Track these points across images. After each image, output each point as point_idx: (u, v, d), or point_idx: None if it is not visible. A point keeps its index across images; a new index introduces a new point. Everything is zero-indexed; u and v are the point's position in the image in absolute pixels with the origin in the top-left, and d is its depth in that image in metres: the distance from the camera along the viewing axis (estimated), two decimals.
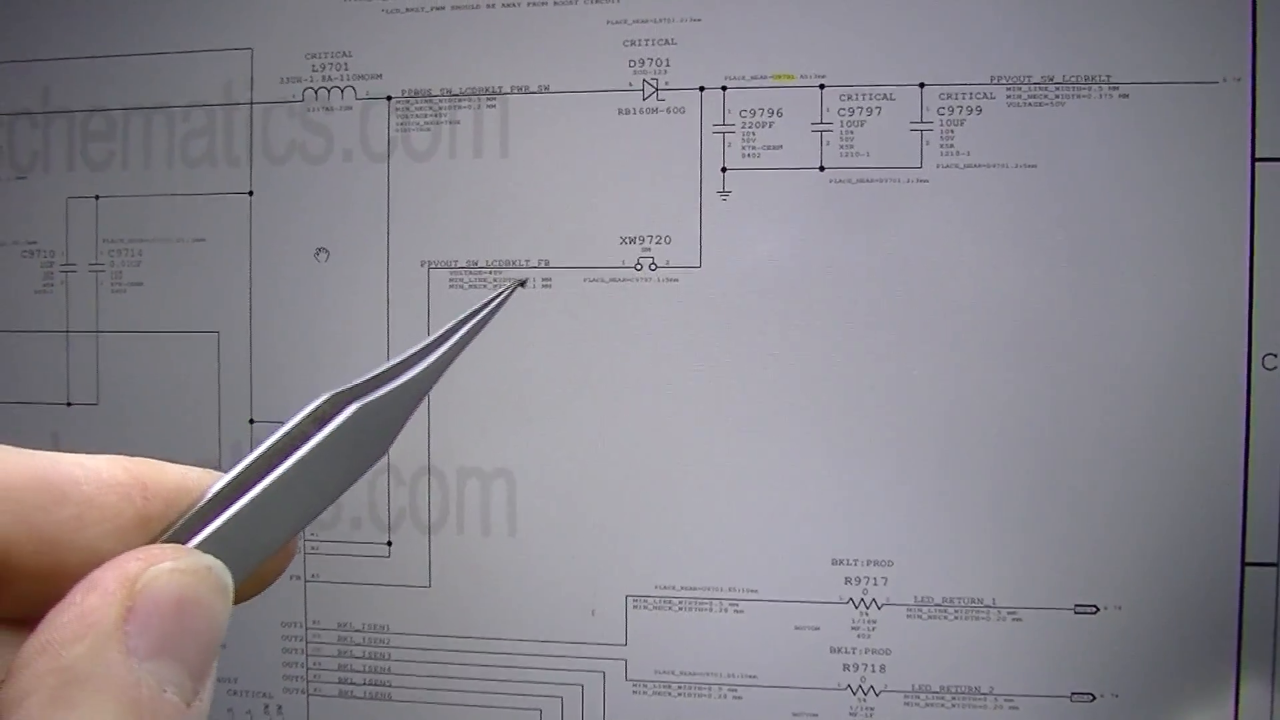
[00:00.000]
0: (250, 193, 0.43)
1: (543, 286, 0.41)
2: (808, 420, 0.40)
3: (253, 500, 0.16)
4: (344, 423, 0.18)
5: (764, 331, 0.40)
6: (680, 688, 0.41)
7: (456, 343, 0.20)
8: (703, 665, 0.41)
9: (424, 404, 0.43)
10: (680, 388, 0.40)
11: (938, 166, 0.39)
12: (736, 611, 0.40)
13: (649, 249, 0.40)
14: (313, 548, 0.43)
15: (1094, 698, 0.39)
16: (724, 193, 0.40)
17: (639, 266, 0.40)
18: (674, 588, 0.41)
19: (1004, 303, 0.39)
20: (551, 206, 0.41)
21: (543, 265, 0.41)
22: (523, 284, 0.29)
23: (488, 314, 0.20)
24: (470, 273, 0.41)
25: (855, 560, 0.40)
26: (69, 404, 0.44)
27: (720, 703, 0.41)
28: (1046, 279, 0.39)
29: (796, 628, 0.40)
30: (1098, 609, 0.39)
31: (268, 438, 0.17)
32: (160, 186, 0.43)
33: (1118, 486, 0.39)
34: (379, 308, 0.42)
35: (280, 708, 0.44)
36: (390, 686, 0.43)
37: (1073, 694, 0.39)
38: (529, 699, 0.42)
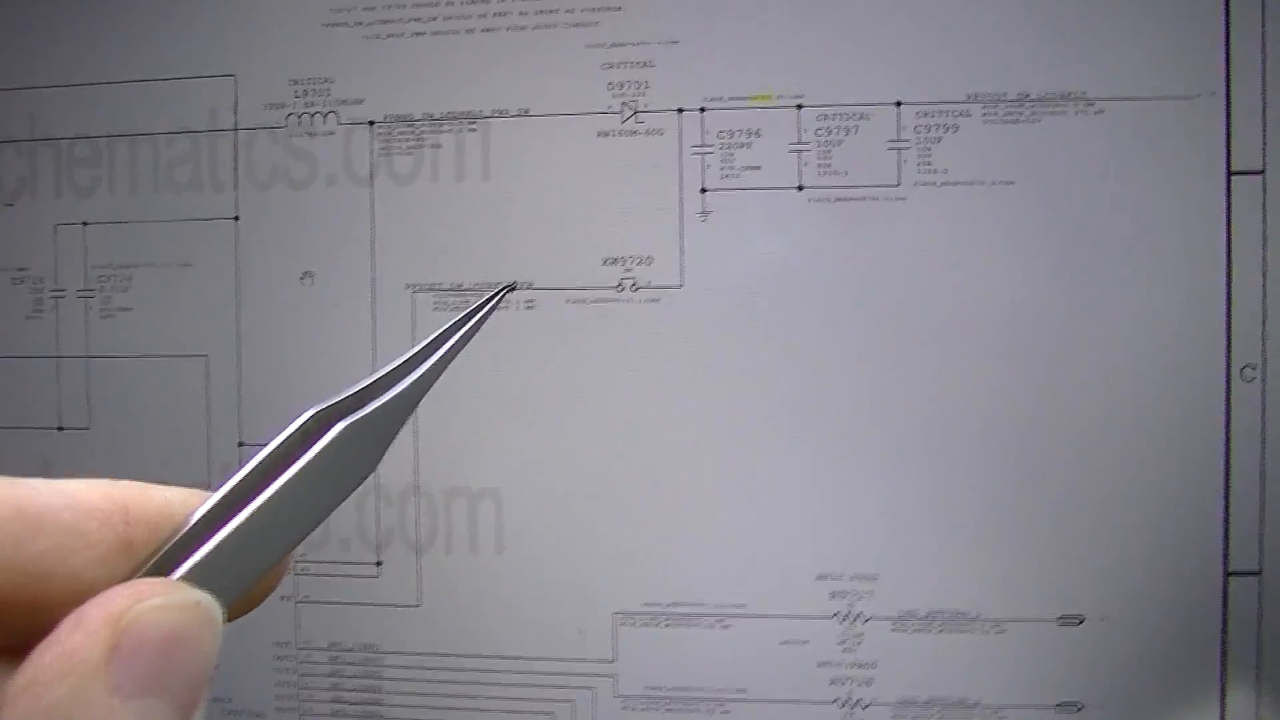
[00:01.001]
0: (236, 218, 0.43)
1: (526, 308, 0.41)
2: (791, 435, 0.40)
3: (240, 525, 0.16)
4: (332, 441, 0.17)
5: (746, 349, 0.40)
6: (670, 703, 0.41)
7: (446, 353, 0.19)
8: (692, 680, 0.41)
9: (410, 423, 0.43)
10: (664, 406, 0.41)
11: (915, 184, 0.39)
12: (724, 627, 0.41)
13: (631, 270, 0.41)
14: (303, 568, 0.43)
15: (1080, 708, 0.40)
16: (704, 213, 0.40)
17: (621, 287, 0.41)
18: (661, 604, 0.41)
19: (985, 317, 0.39)
20: (534, 229, 0.41)
21: (526, 286, 0.41)
22: (513, 288, 0.27)
23: (478, 320, 0.19)
24: (455, 295, 0.42)
25: (840, 575, 0.40)
26: (60, 428, 0.45)
27: (709, 718, 0.41)
28: (1026, 293, 0.39)
29: (783, 642, 0.41)
30: (1082, 619, 0.39)
31: (253, 456, 0.16)
32: (147, 212, 0.44)
33: (1100, 497, 0.39)
34: (364, 330, 0.42)
35: None
36: (382, 705, 0.43)
37: (1059, 704, 0.40)
38: (521, 715, 0.42)
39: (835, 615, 0.40)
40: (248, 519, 0.16)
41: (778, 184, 0.40)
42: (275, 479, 0.17)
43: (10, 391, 0.45)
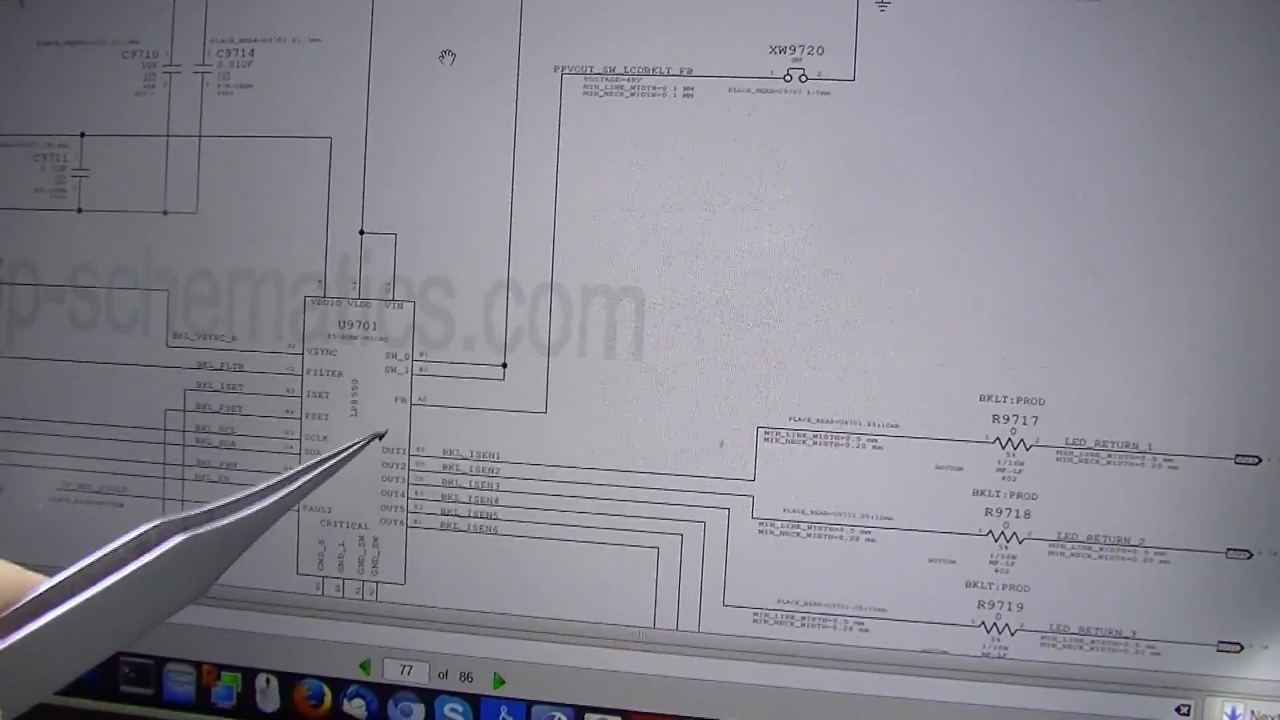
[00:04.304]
0: None
1: (684, 96, 0.39)
2: (959, 248, 0.37)
3: (45, 626, 0.15)
4: (167, 551, 0.17)
5: (918, 151, 0.38)
6: (810, 528, 0.39)
7: (302, 487, 0.20)
8: (835, 505, 0.39)
9: (550, 218, 0.40)
10: (826, 208, 0.38)
11: None
12: (875, 448, 0.38)
13: (800, 59, 0.38)
14: (421, 368, 0.40)
15: (1250, 555, 0.37)
16: (882, 3, 0.38)
17: (788, 78, 0.38)
18: (809, 420, 0.38)
19: (1178, 131, 0.37)
20: (695, 9, 0.38)
21: (685, 74, 0.38)
22: (380, 437, 0.29)
23: (338, 462, 0.21)
24: (607, 79, 0.39)
25: (1004, 397, 0.38)
26: (165, 213, 0.42)
27: (853, 545, 0.38)
28: (1231, 106, 0.36)
29: (938, 467, 0.38)
30: (1259, 460, 0.37)
31: (83, 559, 0.16)
32: None
33: None
34: (507, 117, 0.40)
35: (376, 540, 0.41)
36: (497, 520, 0.40)
37: (1229, 550, 0.37)
38: (647, 535, 0.39)
39: (995, 440, 0.38)
40: (54, 621, 0.15)
41: None
42: (97, 584, 0.16)
43: (114, 173, 0.42)
